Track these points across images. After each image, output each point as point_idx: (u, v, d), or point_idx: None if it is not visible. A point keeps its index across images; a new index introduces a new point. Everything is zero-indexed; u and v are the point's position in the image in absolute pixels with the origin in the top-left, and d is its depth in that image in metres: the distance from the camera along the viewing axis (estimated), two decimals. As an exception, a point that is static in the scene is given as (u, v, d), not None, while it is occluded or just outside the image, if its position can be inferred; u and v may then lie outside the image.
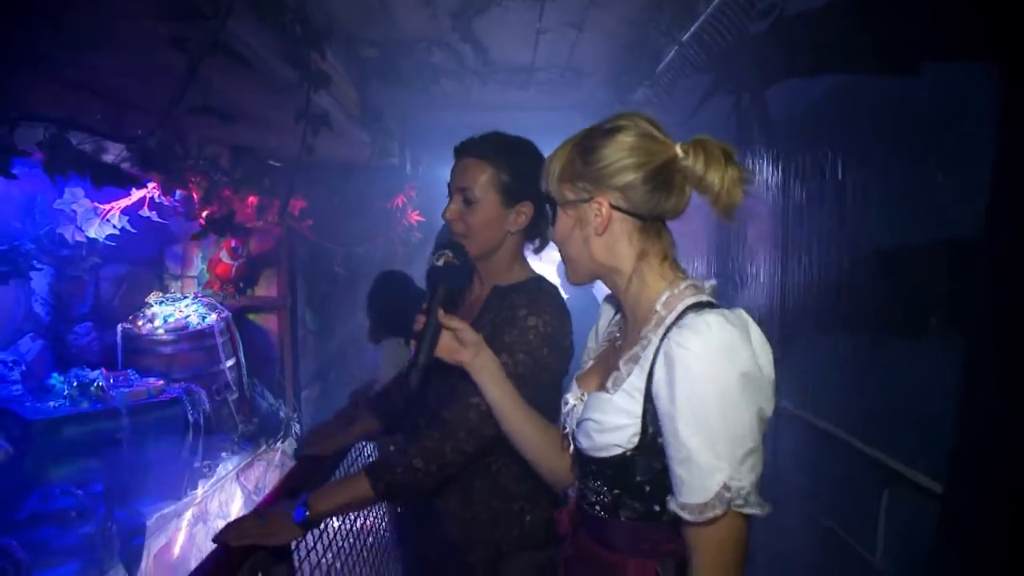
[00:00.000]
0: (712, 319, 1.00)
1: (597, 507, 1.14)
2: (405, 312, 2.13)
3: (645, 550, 1.09)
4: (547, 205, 1.17)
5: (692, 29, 2.60)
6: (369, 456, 2.21)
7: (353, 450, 2.01)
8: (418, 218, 5.24)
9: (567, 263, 1.19)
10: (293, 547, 1.44)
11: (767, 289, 2.64)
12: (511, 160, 1.43)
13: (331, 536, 1.72)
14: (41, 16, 1.94)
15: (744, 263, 2.92)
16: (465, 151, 1.47)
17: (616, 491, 1.11)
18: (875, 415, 1.86)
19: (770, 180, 2.64)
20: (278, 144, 3.99)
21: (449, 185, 1.49)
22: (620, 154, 1.08)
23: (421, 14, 3.00)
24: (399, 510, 1.93)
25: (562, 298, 1.49)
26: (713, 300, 1.09)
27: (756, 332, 1.03)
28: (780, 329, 2.51)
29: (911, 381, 1.70)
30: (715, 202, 1.08)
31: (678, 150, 1.09)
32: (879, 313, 1.86)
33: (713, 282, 1.14)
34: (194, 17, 1.97)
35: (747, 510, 0.96)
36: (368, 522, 2.19)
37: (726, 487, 0.94)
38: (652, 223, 1.12)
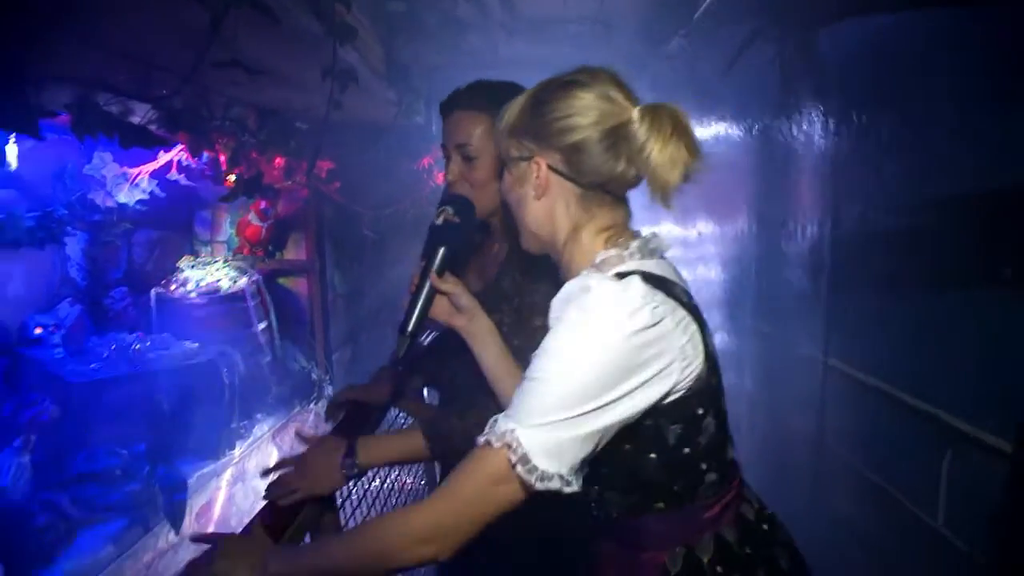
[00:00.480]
0: (577, 284, 0.97)
1: (594, 506, 1.11)
2: None
3: (649, 543, 1.05)
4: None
5: (734, -30, 2.46)
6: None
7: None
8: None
9: (516, 222, 1.12)
10: (340, 503, 1.43)
11: (816, 242, 2.54)
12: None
13: (374, 494, 1.72)
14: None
15: (792, 217, 2.81)
16: (454, 104, 1.37)
17: (597, 487, 1.07)
18: (937, 372, 1.77)
19: (818, 131, 2.51)
20: (304, 104, 3.93)
21: (443, 146, 1.39)
22: (568, 112, 0.99)
23: (447, -37, 2.89)
24: (438, 469, 1.92)
25: None
26: (638, 271, 0.96)
27: (626, 307, 0.91)
28: (829, 284, 2.41)
29: (979, 336, 1.61)
30: (649, 179, 0.97)
31: (634, 114, 0.99)
32: (941, 265, 1.75)
33: (651, 232, 1.04)
34: (218, -32, 1.90)
35: (522, 475, 0.88)
36: (410, 481, 2.20)
37: (509, 435, 0.89)
38: (595, 192, 1.03)
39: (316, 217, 5.25)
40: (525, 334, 1.28)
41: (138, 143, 2.45)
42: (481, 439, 0.93)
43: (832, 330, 2.37)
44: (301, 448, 1.40)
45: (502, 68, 4.31)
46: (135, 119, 2.82)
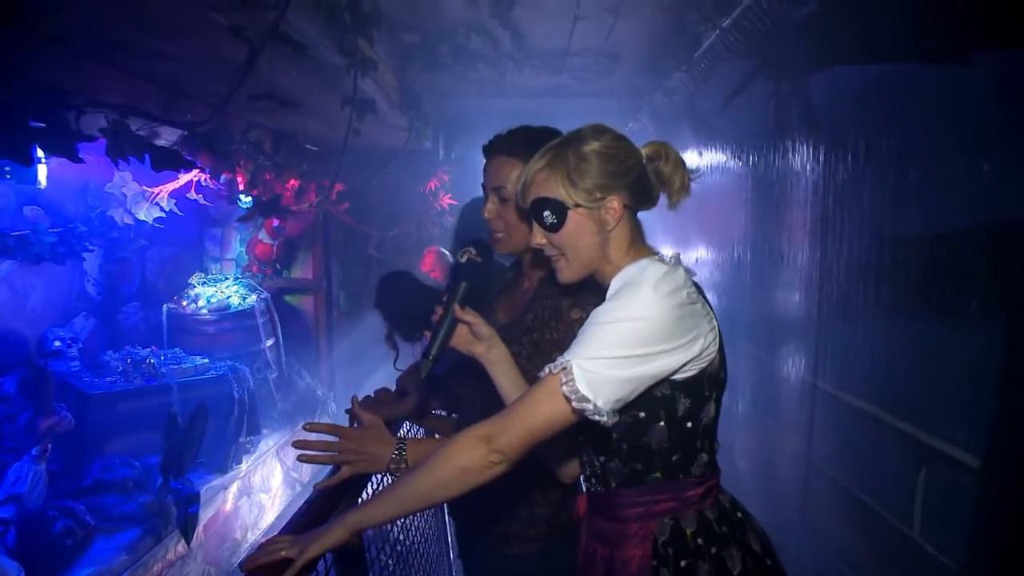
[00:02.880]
0: (635, 267, 1.17)
1: (593, 479, 1.27)
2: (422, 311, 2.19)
3: (640, 513, 1.20)
4: (544, 211, 1.21)
5: (734, 15, 2.61)
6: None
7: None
8: (450, 201, 5.31)
9: (570, 261, 1.24)
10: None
11: (806, 272, 2.68)
12: None
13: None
14: (111, 7, 2.03)
15: (784, 247, 2.96)
16: (495, 149, 1.48)
17: (601, 457, 1.23)
18: (913, 394, 1.91)
19: (809, 166, 2.67)
20: (318, 129, 4.09)
21: (483, 185, 1.52)
22: (613, 157, 1.19)
23: (462, 0, 3.05)
24: None
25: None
26: (663, 261, 1.19)
27: (671, 284, 1.12)
28: (820, 311, 2.55)
29: (951, 360, 1.75)
30: (673, 195, 1.24)
31: (643, 152, 1.23)
32: (919, 295, 1.89)
33: (675, 252, 1.24)
34: (254, 6, 2.05)
35: (572, 397, 1.07)
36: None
37: (566, 367, 1.08)
38: (635, 214, 1.25)
39: (323, 237, 5.39)
40: (543, 365, 1.40)
41: (168, 165, 2.58)
42: (545, 370, 1.12)
43: (821, 354, 2.51)
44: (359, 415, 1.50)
45: (509, 97, 4.49)
46: (160, 142, 2.96)
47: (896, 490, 1.95)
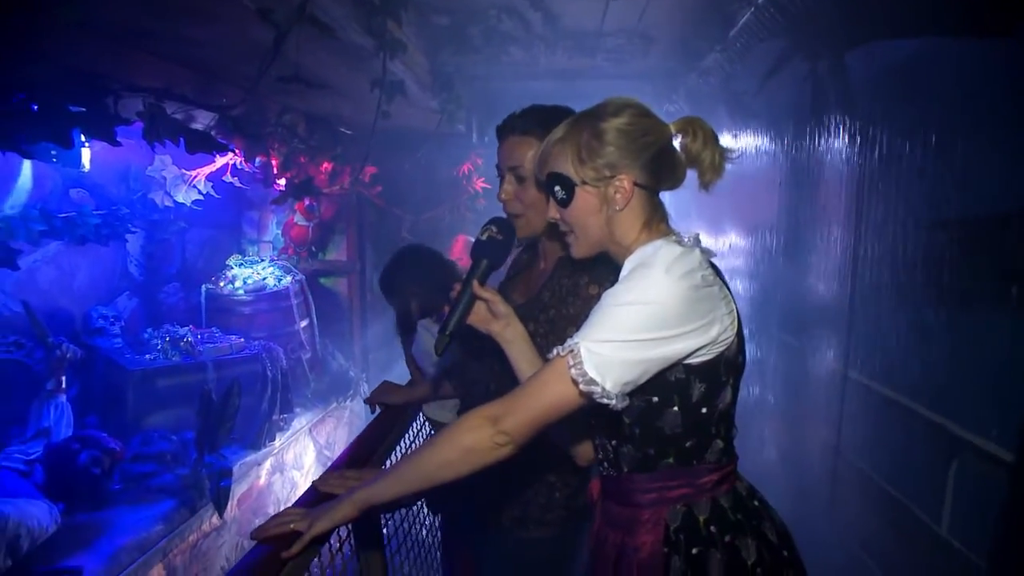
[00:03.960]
0: (650, 247, 1.14)
1: (606, 463, 1.24)
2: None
3: (652, 499, 1.17)
4: (556, 186, 1.20)
5: (769, -9, 2.54)
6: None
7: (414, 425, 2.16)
8: (483, 185, 5.31)
9: (579, 238, 1.23)
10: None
11: (840, 258, 2.60)
12: None
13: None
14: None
15: (817, 232, 2.87)
16: (509, 129, 1.47)
17: (613, 441, 1.21)
18: (946, 384, 1.84)
19: (844, 148, 2.58)
20: (351, 112, 4.12)
21: (498, 167, 1.51)
22: (632, 133, 1.14)
23: (493, -20, 3.02)
24: None
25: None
26: (682, 242, 1.15)
27: (684, 265, 1.09)
28: (852, 298, 2.48)
29: (986, 351, 1.67)
30: (704, 174, 1.17)
31: (672, 128, 1.18)
32: (955, 284, 1.81)
33: (695, 233, 1.19)
34: (281, -11, 2.06)
35: (579, 380, 1.05)
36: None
37: (574, 349, 1.06)
38: (655, 194, 1.20)
39: (357, 220, 5.44)
40: (558, 343, 1.39)
41: (202, 148, 2.63)
42: (553, 352, 1.09)
43: (853, 343, 2.44)
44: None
45: (542, 79, 4.44)
46: (196, 125, 3.03)
47: (925, 483, 1.89)
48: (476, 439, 1.09)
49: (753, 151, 3.75)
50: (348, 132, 4.70)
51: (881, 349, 2.23)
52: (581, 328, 1.10)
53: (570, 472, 1.54)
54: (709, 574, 1.11)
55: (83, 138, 2.92)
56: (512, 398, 1.11)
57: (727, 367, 1.14)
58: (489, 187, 5.27)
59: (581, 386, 1.05)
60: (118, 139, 2.44)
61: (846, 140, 2.56)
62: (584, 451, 1.40)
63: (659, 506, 1.17)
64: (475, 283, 1.34)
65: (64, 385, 3.12)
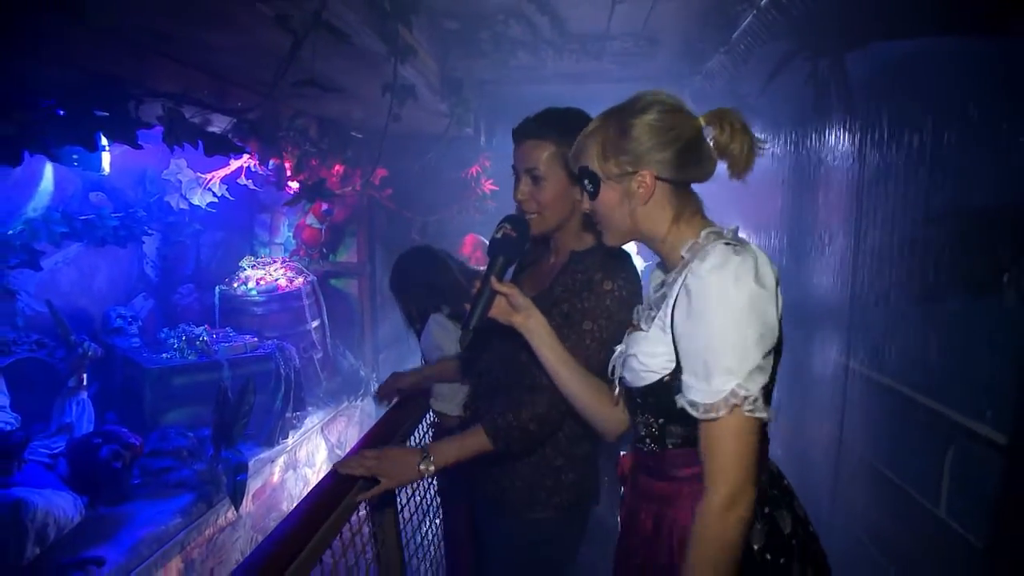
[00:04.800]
0: (720, 250, 1.12)
1: (648, 439, 1.26)
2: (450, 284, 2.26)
3: (696, 474, 1.18)
4: (585, 180, 1.24)
5: (771, -7, 2.59)
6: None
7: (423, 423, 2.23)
8: (492, 187, 5.38)
9: (608, 229, 1.27)
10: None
11: (841, 253, 2.65)
12: (570, 134, 1.42)
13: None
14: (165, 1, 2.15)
15: (819, 228, 2.93)
16: (525, 133, 1.54)
17: (660, 419, 1.22)
18: (942, 372, 1.89)
19: (846, 146, 2.63)
20: (362, 116, 4.19)
21: (514, 168, 1.57)
22: (657, 129, 1.16)
23: (501, -14, 3.09)
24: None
25: (632, 260, 1.58)
26: (731, 240, 1.15)
27: (762, 260, 1.11)
28: (853, 291, 2.53)
29: (979, 338, 1.72)
30: (733, 166, 1.18)
31: (702, 121, 1.19)
32: (951, 273, 1.87)
33: (735, 226, 1.21)
34: (298, -4, 2.14)
35: (756, 414, 1.07)
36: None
37: (733, 393, 1.05)
38: (685, 186, 1.22)
39: (368, 222, 5.53)
40: (575, 336, 1.45)
41: (219, 151, 2.71)
42: (707, 416, 1.08)
43: (854, 335, 2.49)
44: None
45: (549, 82, 4.51)
46: (212, 129, 3.11)
47: (923, 468, 1.94)
48: (732, 534, 1.08)
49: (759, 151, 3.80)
50: (359, 135, 4.79)
51: (881, 340, 2.28)
52: (688, 370, 1.11)
53: (578, 456, 1.60)
54: (752, 540, 1.15)
55: (104, 142, 3.00)
56: (723, 477, 1.09)
57: (777, 348, 1.16)
58: (497, 189, 5.34)
59: (758, 414, 1.08)
60: (139, 142, 2.53)
61: (846, 138, 2.61)
62: (614, 426, 1.43)
63: (700, 482, 1.17)
64: (493, 279, 1.40)
65: (85, 382, 3.21)
